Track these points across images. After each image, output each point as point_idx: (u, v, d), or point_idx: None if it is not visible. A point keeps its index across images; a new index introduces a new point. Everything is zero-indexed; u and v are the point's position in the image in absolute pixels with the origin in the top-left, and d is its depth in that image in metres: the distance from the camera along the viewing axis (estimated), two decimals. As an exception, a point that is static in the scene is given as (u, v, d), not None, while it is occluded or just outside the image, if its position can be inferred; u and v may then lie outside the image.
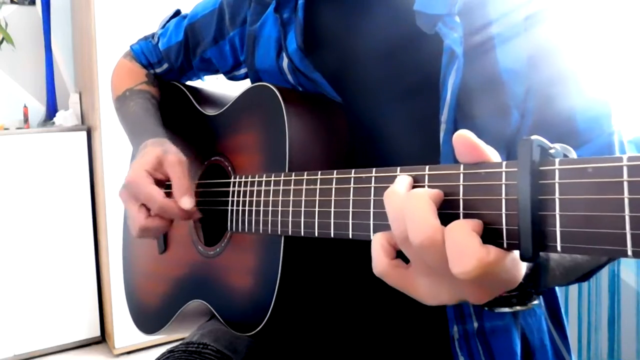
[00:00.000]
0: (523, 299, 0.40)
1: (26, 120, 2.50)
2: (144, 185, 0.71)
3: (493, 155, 0.39)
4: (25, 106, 2.51)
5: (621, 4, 1.56)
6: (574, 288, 1.77)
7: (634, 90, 1.55)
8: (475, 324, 0.64)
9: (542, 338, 0.68)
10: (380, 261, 0.41)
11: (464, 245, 0.35)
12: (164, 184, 0.75)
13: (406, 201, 0.38)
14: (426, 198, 0.38)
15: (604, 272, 1.67)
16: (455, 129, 0.61)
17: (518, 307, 0.39)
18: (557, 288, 0.73)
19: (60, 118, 2.46)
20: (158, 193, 0.70)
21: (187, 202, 0.70)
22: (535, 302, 0.39)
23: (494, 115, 0.61)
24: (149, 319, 0.91)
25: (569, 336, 0.72)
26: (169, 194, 0.72)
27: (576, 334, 1.75)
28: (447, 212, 0.39)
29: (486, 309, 0.42)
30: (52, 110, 2.55)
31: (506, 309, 0.39)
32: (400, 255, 0.41)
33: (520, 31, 0.61)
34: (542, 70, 0.60)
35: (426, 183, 0.42)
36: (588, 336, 1.73)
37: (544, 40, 0.60)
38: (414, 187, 0.42)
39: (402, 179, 0.42)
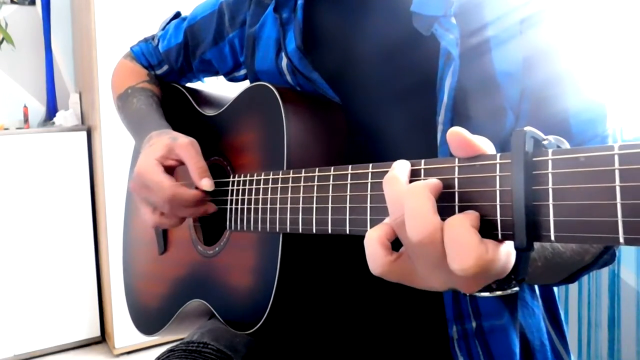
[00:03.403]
0: (502, 284, 0.40)
1: (26, 120, 2.50)
2: (153, 173, 0.71)
3: (488, 147, 0.39)
4: (25, 106, 2.51)
5: (617, 7, 1.57)
6: (574, 288, 1.76)
7: (633, 91, 1.55)
8: (474, 324, 0.64)
9: (542, 338, 0.68)
10: (381, 260, 0.40)
11: (463, 242, 0.35)
12: (174, 171, 0.75)
13: (406, 196, 0.38)
14: (427, 193, 0.38)
15: (604, 272, 1.67)
16: None
17: (498, 292, 0.39)
18: (555, 289, 0.74)
19: (60, 118, 2.46)
20: (168, 180, 0.70)
21: (207, 183, 0.71)
22: (515, 288, 0.39)
23: (489, 116, 0.61)
24: (148, 319, 0.91)
25: (569, 336, 0.72)
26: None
27: (576, 334, 1.75)
28: (442, 204, 0.39)
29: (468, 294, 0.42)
30: (52, 110, 2.56)
31: (486, 294, 0.40)
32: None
33: (515, 34, 0.61)
34: (537, 72, 0.60)
35: (422, 177, 0.42)
36: (588, 336, 1.73)
37: (539, 42, 0.60)
38: (411, 180, 0.42)
39: (402, 165, 0.42)
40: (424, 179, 0.41)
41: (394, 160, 0.44)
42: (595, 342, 1.71)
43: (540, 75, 0.60)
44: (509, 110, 0.61)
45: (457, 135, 0.38)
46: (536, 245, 0.48)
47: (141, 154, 0.75)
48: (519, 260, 0.38)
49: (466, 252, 0.35)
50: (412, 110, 0.67)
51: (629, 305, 1.61)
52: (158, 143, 0.74)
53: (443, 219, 0.37)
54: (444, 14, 0.60)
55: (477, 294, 0.41)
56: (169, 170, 0.74)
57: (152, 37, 1.00)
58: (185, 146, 0.73)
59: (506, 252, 0.37)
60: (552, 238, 0.33)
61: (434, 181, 0.39)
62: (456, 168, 0.40)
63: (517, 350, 0.64)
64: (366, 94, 0.71)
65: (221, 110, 0.82)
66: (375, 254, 0.40)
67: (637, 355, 1.59)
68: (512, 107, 0.61)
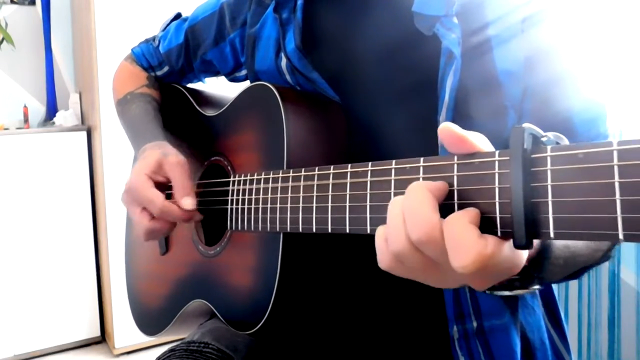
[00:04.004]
0: (525, 282, 0.40)
1: (26, 120, 2.50)
2: (144, 189, 0.72)
3: (482, 143, 0.39)
4: (25, 106, 2.51)
5: (618, 6, 1.57)
6: (574, 288, 1.76)
7: (634, 91, 1.55)
8: (474, 323, 0.63)
9: (542, 337, 0.68)
10: (386, 256, 0.41)
11: (462, 239, 0.35)
12: (165, 186, 0.75)
13: (406, 194, 0.38)
14: (425, 191, 0.38)
15: (604, 272, 1.67)
16: None
17: (519, 291, 0.39)
18: (554, 287, 0.74)
19: (60, 118, 2.46)
20: (157, 196, 0.71)
21: (188, 202, 0.71)
22: (537, 286, 0.39)
23: (491, 115, 0.61)
24: (151, 320, 0.91)
25: (569, 336, 0.73)
26: (169, 196, 0.73)
27: (576, 334, 1.75)
28: (442, 203, 0.39)
29: (487, 292, 0.42)
30: (52, 110, 2.56)
31: (506, 292, 0.39)
32: None
33: (517, 33, 0.61)
34: (539, 71, 0.61)
35: (421, 175, 0.42)
36: (588, 336, 1.73)
37: (541, 42, 0.60)
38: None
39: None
40: (422, 177, 0.41)
41: (395, 159, 0.44)
42: (595, 342, 1.71)
43: (542, 75, 0.60)
44: (511, 109, 0.61)
45: (447, 131, 0.38)
46: (558, 244, 0.48)
47: (134, 167, 0.76)
48: (543, 257, 0.38)
49: (465, 248, 0.35)
50: (412, 110, 0.67)
51: (629, 305, 1.61)
52: (150, 157, 0.75)
53: (443, 217, 0.37)
54: (445, 14, 0.61)
55: (497, 292, 0.41)
56: (160, 186, 0.74)
57: (153, 38, 1.00)
58: (173, 166, 0.74)
59: (511, 248, 0.37)
60: (552, 235, 0.33)
61: (437, 182, 0.39)
62: (455, 165, 0.39)
63: (518, 350, 0.64)
64: (366, 94, 0.71)
65: (221, 110, 0.82)
66: (381, 250, 0.41)
67: (637, 355, 1.59)
68: (514, 106, 0.61)
